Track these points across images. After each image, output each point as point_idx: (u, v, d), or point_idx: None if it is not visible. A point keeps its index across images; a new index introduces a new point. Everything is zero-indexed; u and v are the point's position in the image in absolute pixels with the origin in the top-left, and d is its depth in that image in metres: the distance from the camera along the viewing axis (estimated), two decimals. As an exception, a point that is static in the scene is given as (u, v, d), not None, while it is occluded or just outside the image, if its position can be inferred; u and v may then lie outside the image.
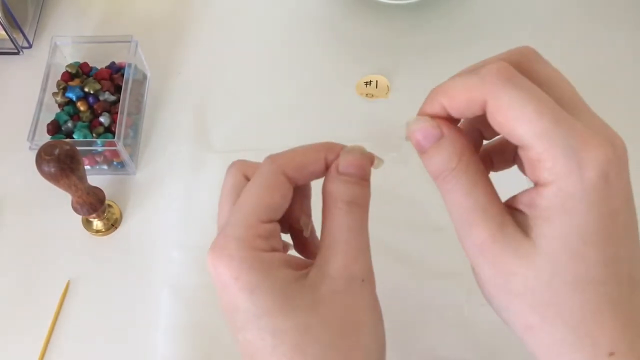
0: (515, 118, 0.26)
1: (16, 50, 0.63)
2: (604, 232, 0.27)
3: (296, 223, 0.34)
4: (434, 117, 0.30)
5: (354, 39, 0.64)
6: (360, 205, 0.31)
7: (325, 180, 0.32)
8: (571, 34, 0.63)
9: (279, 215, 0.31)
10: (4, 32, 0.60)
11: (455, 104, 0.29)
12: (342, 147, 0.33)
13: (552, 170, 0.26)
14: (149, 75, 0.62)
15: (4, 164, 0.58)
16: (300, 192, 0.34)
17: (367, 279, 0.31)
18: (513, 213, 0.28)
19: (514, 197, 0.29)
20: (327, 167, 0.32)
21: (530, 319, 0.29)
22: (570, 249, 0.27)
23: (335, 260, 0.30)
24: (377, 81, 0.60)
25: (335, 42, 0.64)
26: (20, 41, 0.63)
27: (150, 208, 0.56)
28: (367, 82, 0.60)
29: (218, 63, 0.63)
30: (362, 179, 0.32)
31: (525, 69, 0.28)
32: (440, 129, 0.30)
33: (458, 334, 0.49)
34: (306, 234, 0.34)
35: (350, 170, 0.32)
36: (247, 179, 0.33)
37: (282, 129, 0.59)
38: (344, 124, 0.59)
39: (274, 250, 0.30)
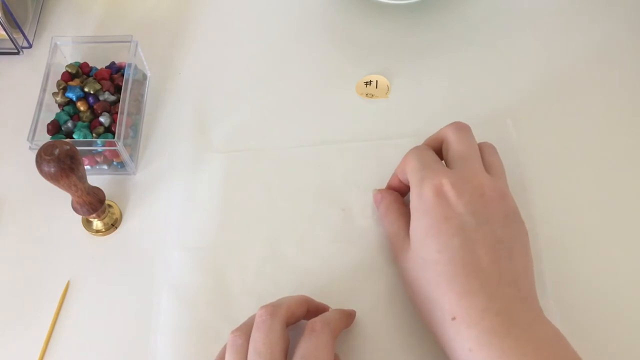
0: (406, 168, 0.47)
1: (16, 50, 0.63)
2: (438, 228, 0.42)
3: None
4: (389, 188, 0.52)
5: (354, 39, 0.64)
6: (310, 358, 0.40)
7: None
8: (571, 34, 0.63)
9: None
10: (3, 32, 0.61)
11: (399, 173, 0.49)
12: (318, 304, 0.47)
13: (412, 192, 0.45)
14: (149, 75, 0.62)
15: (3, 164, 0.58)
16: None
17: None
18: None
19: None
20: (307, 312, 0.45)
21: (413, 296, 0.44)
22: (419, 239, 0.43)
23: None
24: (377, 81, 0.60)
25: (336, 42, 0.64)
26: (20, 41, 0.63)
27: (150, 208, 0.56)
28: (367, 82, 0.60)
29: (218, 63, 0.63)
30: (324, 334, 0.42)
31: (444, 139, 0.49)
32: (380, 194, 0.52)
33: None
34: None
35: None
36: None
37: (282, 129, 0.59)
38: (344, 124, 0.59)
39: None
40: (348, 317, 0.47)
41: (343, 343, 0.48)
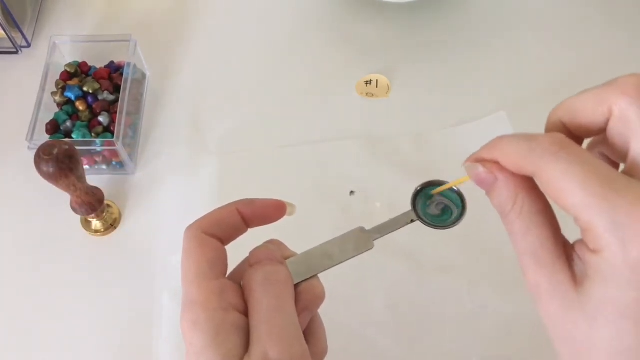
0: (562, 190, 0.26)
1: (15, 50, 0.63)
2: None
3: None
4: (487, 161, 0.29)
5: (354, 38, 0.64)
6: (276, 281, 0.31)
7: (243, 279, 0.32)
8: (571, 34, 0.63)
9: (221, 269, 0.32)
10: (2, 32, 0.60)
11: (507, 163, 0.28)
12: (251, 200, 0.34)
13: (597, 243, 0.26)
14: (148, 74, 0.62)
15: (2, 163, 0.58)
16: None
17: (298, 358, 0.29)
18: (572, 255, 0.28)
19: (576, 242, 0.28)
20: (243, 219, 0.34)
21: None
22: (609, 317, 0.27)
23: (257, 346, 0.29)
24: (377, 80, 0.60)
25: (335, 41, 0.64)
26: (19, 40, 0.63)
27: (149, 208, 0.55)
28: (367, 81, 0.60)
29: (217, 62, 0.63)
30: (273, 261, 0.32)
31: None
32: (493, 174, 0.29)
33: (460, 327, 0.49)
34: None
35: (259, 259, 0.32)
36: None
37: (282, 128, 0.59)
38: (344, 123, 0.59)
39: (231, 305, 0.30)
40: (276, 210, 0.36)
41: (344, 338, 0.48)
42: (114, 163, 0.56)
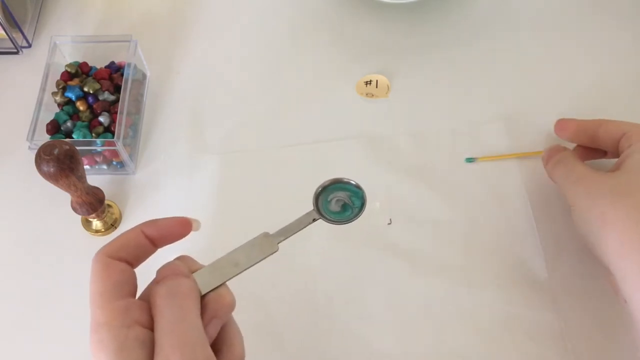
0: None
1: (15, 50, 0.63)
2: None
3: None
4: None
5: (354, 38, 0.64)
6: (178, 293, 0.32)
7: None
8: (572, 34, 0.62)
9: (127, 289, 0.33)
10: (3, 32, 0.60)
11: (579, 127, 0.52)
12: (154, 221, 0.36)
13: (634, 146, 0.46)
14: (148, 74, 0.62)
15: (3, 163, 0.58)
16: None
17: None
18: None
19: None
20: (150, 241, 0.35)
21: (607, 211, 0.43)
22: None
23: (160, 356, 0.30)
24: (377, 81, 0.60)
25: (335, 41, 0.64)
26: (20, 41, 0.63)
27: (150, 208, 0.56)
28: (367, 81, 0.60)
29: (217, 62, 0.63)
30: (177, 275, 0.33)
31: None
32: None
33: (460, 327, 0.49)
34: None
35: (164, 275, 0.34)
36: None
37: (282, 128, 0.59)
38: (344, 123, 0.59)
39: (135, 322, 0.31)
40: (181, 227, 0.37)
41: (344, 338, 0.48)
42: (114, 163, 0.56)
